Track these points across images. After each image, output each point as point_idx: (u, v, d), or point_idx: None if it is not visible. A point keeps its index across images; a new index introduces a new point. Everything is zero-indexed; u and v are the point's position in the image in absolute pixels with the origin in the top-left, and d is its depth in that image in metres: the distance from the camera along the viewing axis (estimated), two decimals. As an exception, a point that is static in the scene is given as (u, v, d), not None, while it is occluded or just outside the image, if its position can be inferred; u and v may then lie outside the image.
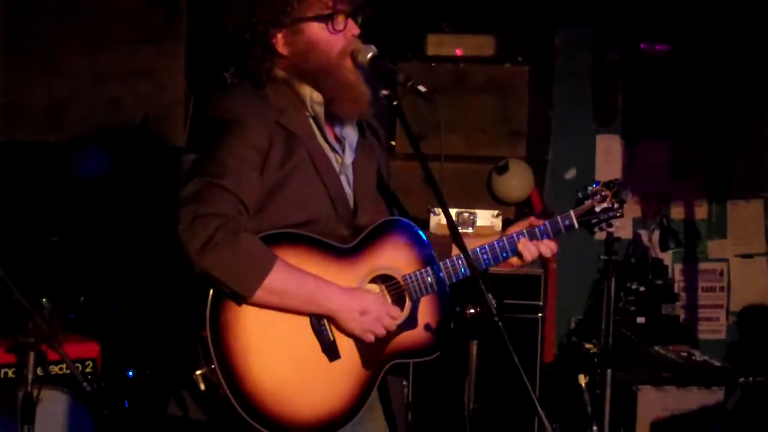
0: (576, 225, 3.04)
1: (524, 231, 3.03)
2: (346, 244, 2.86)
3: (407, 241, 2.96)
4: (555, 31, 6.48)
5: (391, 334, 2.87)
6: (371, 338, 2.81)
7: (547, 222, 3.02)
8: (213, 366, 2.61)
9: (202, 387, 2.65)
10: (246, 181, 2.69)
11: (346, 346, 2.80)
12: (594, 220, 3.04)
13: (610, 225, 3.06)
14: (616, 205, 3.05)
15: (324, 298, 2.75)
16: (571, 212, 3.04)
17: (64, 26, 6.21)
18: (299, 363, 2.73)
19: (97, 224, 5.86)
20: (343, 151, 2.94)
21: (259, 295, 2.63)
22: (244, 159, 2.70)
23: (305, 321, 2.76)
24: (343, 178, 2.92)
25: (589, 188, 3.06)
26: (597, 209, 3.03)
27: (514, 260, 3.06)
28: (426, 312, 2.95)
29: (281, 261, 2.67)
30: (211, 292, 2.63)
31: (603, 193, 3.04)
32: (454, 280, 2.94)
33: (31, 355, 3.99)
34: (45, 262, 5.43)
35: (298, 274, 2.72)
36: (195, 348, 2.66)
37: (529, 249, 3.00)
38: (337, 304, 2.76)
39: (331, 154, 2.90)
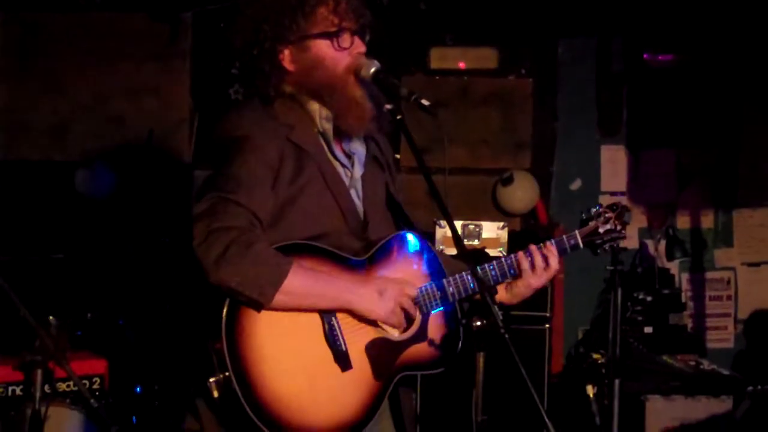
0: (581, 245, 3.11)
1: (530, 248, 3.05)
2: (359, 257, 2.88)
3: (418, 256, 2.99)
4: (558, 43, 6.49)
5: (401, 347, 2.88)
6: (400, 315, 2.83)
7: (553, 240, 3.06)
8: (227, 373, 2.63)
9: (216, 394, 2.67)
10: (258, 195, 2.72)
11: (357, 356, 2.81)
12: (598, 241, 3.12)
13: (612, 247, 3.11)
14: (619, 227, 3.13)
15: (343, 291, 2.77)
16: (576, 233, 3.10)
17: (67, 44, 6.24)
18: (312, 372, 2.74)
19: (103, 241, 5.87)
20: (352, 165, 2.97)
21: (279, 299, 2.65)
22: (255, 174, 2.73)
23: (318, 331, 2.77)
24: (352, 191, 2.95)
25: (593, 210, 3.13)
26: (601, 230, 3.10)
27: (522, 287, 3.08)
28: (435, 326, 2.97)
29: (297, 264, 2.70)
30: (227, 301, 2.65)
31: (607, 215, 3.11)
32: (463, 295, 2.97)
33: (39, 372, 3.99)
34: (51, 279, 5.45)
35: (315, 273, 2.75)
36: (208, 357, 2.68)
37: (535, 258, 3.01)
38: (356, 294, 2.78)
39: (340, 169, 2.93)
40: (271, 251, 2.67)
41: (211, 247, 2.60)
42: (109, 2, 6.19)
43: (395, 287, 2.85)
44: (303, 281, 2.70)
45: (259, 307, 2.67)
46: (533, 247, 3.04)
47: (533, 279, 3.04)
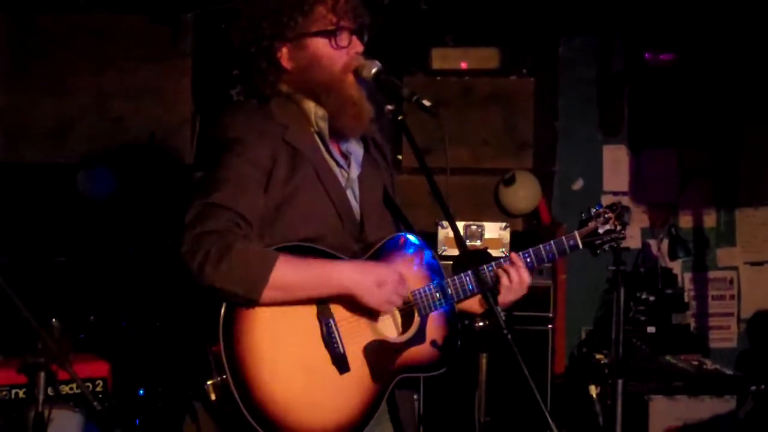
0: (580, 246, 3.10)
1: (530, 251, 3.05)
2: (357, 258, 2.87)
3: (416, 257, 2.98)
4: (559, 42, 6.49)
5: (400, 349, 2.87)
6: (391, 308, 2.82)
7: (552, 242, 3.06)
8: (225, 376, 2.62)
9: (213, 397, 2.66)
10: (246, 196, 2.71)
11: (355, 358, 2.80)
12: (597, 242, 3.11)
13: (612, 247, 3.10)
14: (618, 227, 3.12)
15: (336, 277, 2.74)
16: (576, 233, 3.10)
17: (68, 46, 6.24)
18: (309, 374, 2.73)
19: (105, 243, 5.87)
20: (349, 165, 2.96)
21: (268, 293, 2.63)
22: (244, 175, 2.72)
23: (316, 333, 2.75)
24: (349, 192, 2.93)
25: (593, 210, 3.12)
26: (600, 231, 3.10)
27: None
28: (434, 327, 2.96)
29: (284, 256, 2.67)
30: (224, 304, 2.64)
31: (606, 215, 3.10)
32: (462, 296, 2.96)
33: (42, 375, 3.99)
34: (54, 282, 5.45)
35: (305, 261, 2.72)
36: (206, 360, 2.67)
37: (511, 274, 2.98)
38: (352, 281, 2.75)
39: (336, 169, 2.92)
40: (254, 248, 2.66)
41: (195, 252, 2.60)
42: (110, 4, 6.19)
43: (395, 280, 2.81)
44: (294, 271, 2.67)
45: (250, 305, 2.65)
46: (513, 257, 3.02)
47: (511, 294, 3.01)
